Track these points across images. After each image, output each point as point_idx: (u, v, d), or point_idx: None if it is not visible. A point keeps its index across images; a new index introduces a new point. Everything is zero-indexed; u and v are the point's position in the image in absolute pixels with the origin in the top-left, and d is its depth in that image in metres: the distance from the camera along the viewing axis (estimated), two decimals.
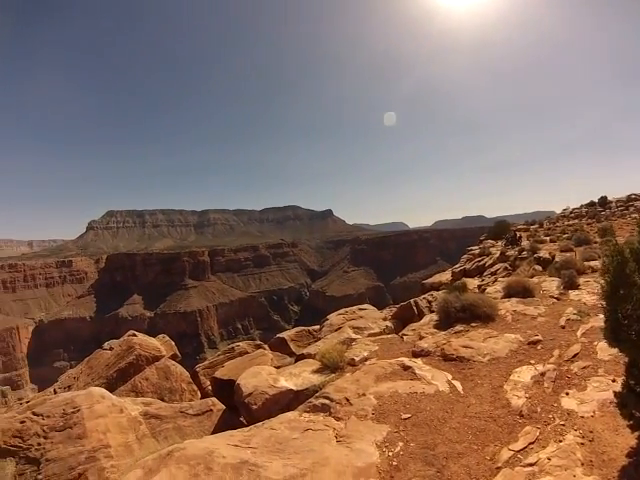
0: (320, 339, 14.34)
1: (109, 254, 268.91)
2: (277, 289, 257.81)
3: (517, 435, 5.40)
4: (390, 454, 5.40)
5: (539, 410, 5.86)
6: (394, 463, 5.20)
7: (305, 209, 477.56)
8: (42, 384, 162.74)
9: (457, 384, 7.13)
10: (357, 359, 9.24)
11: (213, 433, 8.41)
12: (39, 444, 7.55)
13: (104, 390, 9.30)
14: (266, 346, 17.70)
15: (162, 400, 11.42)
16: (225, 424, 8.88)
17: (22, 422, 8.00)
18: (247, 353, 16.19)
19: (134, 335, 15.82)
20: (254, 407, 8.02)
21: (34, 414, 8.18)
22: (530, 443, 5.17)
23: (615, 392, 4.84)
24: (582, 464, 4.58)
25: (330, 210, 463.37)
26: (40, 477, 7.09)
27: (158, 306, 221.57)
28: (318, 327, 18.69)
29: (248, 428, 6.70)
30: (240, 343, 18.11)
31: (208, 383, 14.77)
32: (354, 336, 13.09)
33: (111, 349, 15.29)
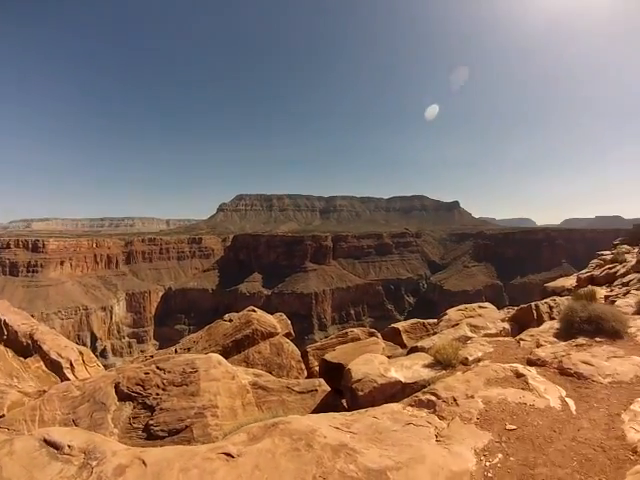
0: (436, 333, 14.24)
1: (236, 234, 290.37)
2: (395, 279, 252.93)
3: (625, 472, 4.80)
4: (487, 464, 5.24)
5: None
6: (489, 474, 5.05)
7: (432, 199, 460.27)
8: (163, 341, 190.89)
9: (570, 402, 6.58)
10: (470, 359, 8.98)
11: (314, 412, 8.84)
12: (157, 394, 8.87)
13: (221, 357, 10.33)
14: (379, 335, 17.90)
15: (270, 374, 12.37)
16: (327, 406, 9.23)
17: (146, 373, 9.46)
18: (359, 340, 16.53)
19: (253, 311, 17.04)
20: (360, 393, 8.19)
21: (158, 368, 9.57)
22: None
23: None
24: None
25: (457, 202, 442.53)
26: (152, 422, 8.34)
27: (276, 285, 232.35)
28: (433, 321, 18.51)
29: (350, 413, 6.87)
30: (354, 329, 18.55)
31: (316, 364, 15.43)
32: (470, 334, 12.87)
33: (230, 321, 16.78)
